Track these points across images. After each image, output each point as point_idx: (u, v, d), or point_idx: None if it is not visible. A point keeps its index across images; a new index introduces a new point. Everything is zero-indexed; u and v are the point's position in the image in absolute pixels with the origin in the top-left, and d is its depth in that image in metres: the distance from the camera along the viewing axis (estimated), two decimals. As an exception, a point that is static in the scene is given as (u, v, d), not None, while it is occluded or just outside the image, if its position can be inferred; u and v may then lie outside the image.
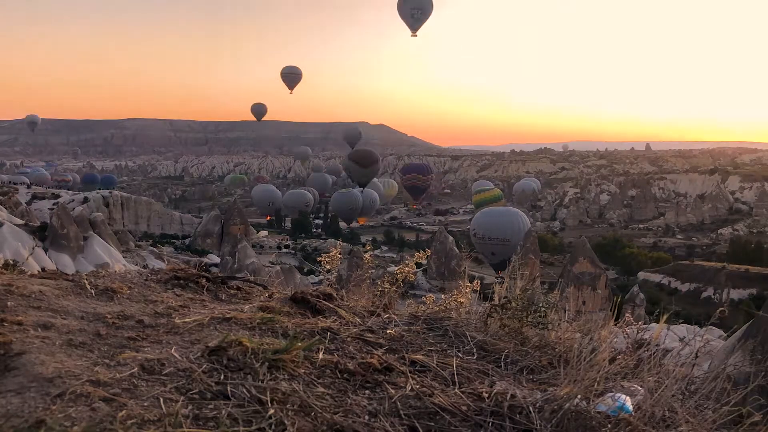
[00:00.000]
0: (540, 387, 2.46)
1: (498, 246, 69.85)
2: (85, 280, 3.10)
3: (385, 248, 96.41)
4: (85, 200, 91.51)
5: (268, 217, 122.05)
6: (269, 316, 2.81)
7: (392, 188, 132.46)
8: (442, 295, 3.99)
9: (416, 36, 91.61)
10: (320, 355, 2.33)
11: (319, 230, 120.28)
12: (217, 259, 69.32)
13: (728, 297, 63.25)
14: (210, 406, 1.86)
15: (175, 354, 2.19)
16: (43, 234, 42.14)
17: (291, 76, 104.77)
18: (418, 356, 2.58)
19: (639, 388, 2.39)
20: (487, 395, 2.22)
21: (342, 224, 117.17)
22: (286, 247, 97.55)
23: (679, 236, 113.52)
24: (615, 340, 3.18)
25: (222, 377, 2.04)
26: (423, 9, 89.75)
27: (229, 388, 1.97)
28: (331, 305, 3.18)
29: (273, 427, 1.79)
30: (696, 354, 2.89)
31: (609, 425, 2.06)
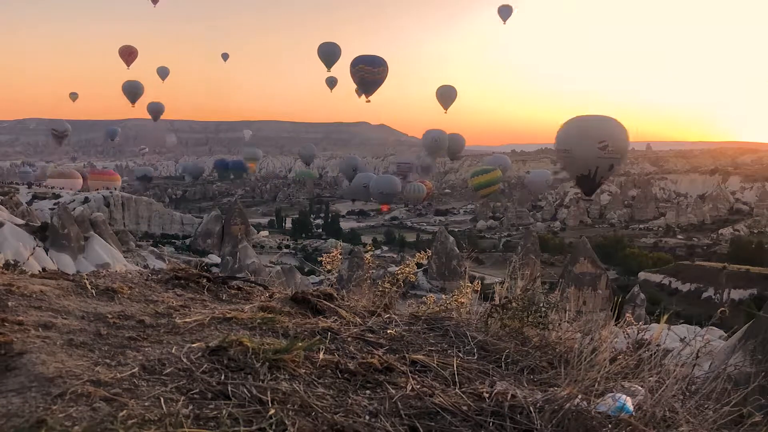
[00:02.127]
0: (540, 387, 2.47)
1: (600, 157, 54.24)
2: (85, 280, 3.10)
3: (385, 248, 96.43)
4: (86, 200, 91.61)
5: (385, 207, 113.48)
6: (270, 316, 2.82)
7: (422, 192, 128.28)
8: (443, 296, 3.99)
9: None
10: (321, 355, 2.33)
11: (320, 230, 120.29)
12: (218, 259, 69.41)
13: (729, 297, 63.21)
14: (211, 406, 1.86)
15: (176, 354, 2.20)
16: (44, 234, 42.15)
17: (446, 96, 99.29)
18: (418, 356, 2.58)
19: (639, 388, 2.39)
20: (487, 395, 2.22)
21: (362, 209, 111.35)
22: (287, 247, 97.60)
23: (679, 236, 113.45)
24: (615, 340, 3.19)
25: (223, 377, 2.04)
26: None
27: (229, 388, 1.97)
28: (331, 305, 3.19)
29: (274, 427, 1.80)
30: (696, 354, 2.89)
31: (609, 425, 2.06)
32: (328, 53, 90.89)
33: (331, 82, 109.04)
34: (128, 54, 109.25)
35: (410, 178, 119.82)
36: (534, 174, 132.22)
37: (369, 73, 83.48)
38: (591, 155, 54.18)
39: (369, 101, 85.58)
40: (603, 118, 60.16)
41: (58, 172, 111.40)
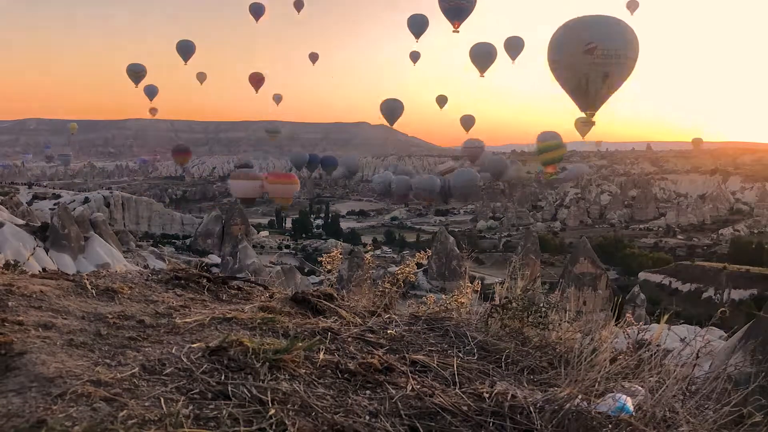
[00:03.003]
0: (541, 387, 2.47)
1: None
2: (86, 280, 3.10)
3: (386, 248, 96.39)
4: (86, 200, 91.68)
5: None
6: (270, 316, 2.82)
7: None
8: (443, 296, 4.00)
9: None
10: (321, 356, 2.33)
11: (320, 230, 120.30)
12: (218, 260, 69.43)
13: (729, 297, 63.17)
14: (211, 406, 1.86)
15: (176, 354, 2.20)
16: (44, 234, 42.13)
17: (484, 58, 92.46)
18: (418, 356, 2.58)
19: (640, 388, 2.39)
20: (487, 395, 2.22)
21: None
22: (287, 247, 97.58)
23: (679, 236, 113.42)
24: (616, 340, 3.18)
25: (223, 377, 2.04)
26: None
27: (229, 388, 1.97)
28: (331, 305, 3.19)
29: (274, 427, 1.80)
30: (697, 354, 2.88)
31: (610, 426, 2.06)
32: (418, 24, 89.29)
33: (415, 57, 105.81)
34: (256, 80, 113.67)
35: (480, 159, 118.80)
36: (574, 167, 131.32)
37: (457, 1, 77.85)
38: (577, 61, 42.86)
39: (457, 31, 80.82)
40: (593, 18, 46.08)
41: (241, 173, 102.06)
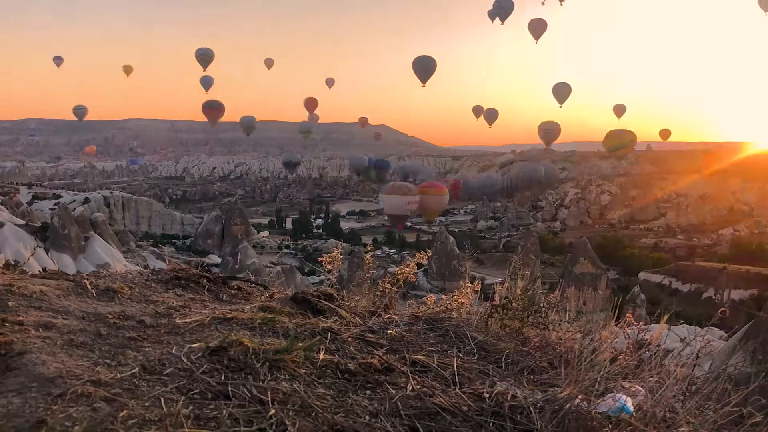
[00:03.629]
0: (541, 387, 2.47)
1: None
2: (86, 281, 3.10)
3: (386, 249, 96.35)
4: (86, 200, 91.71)
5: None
6: (270, 316, 2.82)
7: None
8: (443, 296, 3.99)
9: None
10: (321, 356, 2.33)
11: (320, 230, 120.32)
12: (218, 260, 69.47)
13: (729, 297, 63.14)
14: (211, 406, 1.86)
15: (176, 354, 2.20)
16: (44, 234, 42.14)
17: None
18: (418, 356, 2.58)
19: (640, 388, 2.39)
20: (487, 396, 2.22)
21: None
22: (287, 247, 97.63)
23: (680, 237, 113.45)
24: (616, 340, 3.18)
25: (223, 377, 2.04)
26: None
27: (230, 388, 1.97)
28: (331, 305, 3.18)
29: (274, 427, 1.80)
30: (697, 354, 2.88)
31: (610, 426, 2.06)
32: (504, 8, 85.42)
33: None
34: (311, 104, 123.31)
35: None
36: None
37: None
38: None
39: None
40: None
41: (397, 187, 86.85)
